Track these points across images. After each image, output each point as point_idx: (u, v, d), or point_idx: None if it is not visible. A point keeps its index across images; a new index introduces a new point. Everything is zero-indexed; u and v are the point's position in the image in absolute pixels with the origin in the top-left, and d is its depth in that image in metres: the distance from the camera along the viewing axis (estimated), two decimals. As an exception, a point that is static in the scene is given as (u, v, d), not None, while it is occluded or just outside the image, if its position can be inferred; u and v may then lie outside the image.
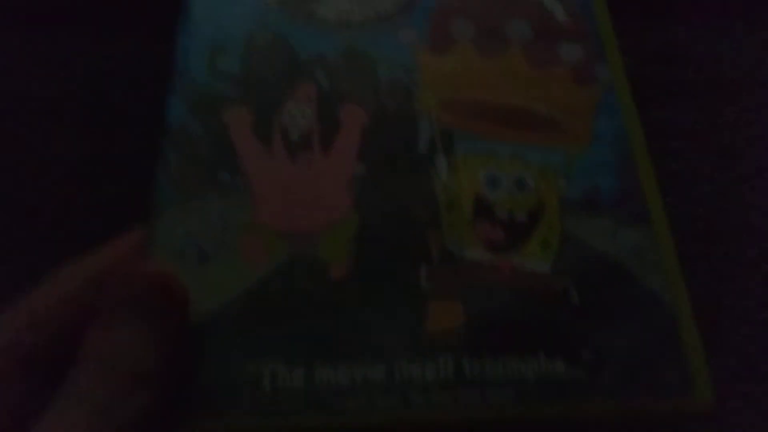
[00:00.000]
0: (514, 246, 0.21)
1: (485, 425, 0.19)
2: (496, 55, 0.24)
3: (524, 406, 0.18)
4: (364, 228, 0.21)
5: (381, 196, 0.21)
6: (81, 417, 0.16)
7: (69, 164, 0.33)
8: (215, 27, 0.24)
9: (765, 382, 0.29)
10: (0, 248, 0.32)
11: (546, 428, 0.20)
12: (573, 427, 0.20)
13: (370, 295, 0.20)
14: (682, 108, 0.36)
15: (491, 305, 0.20)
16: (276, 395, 0.18)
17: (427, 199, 0.21)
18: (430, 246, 0.20)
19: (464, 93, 0.23)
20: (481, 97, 0.23)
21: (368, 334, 0.19)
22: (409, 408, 0.18)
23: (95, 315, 0.18)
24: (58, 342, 0.19)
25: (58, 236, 0.32)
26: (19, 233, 0.32)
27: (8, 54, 0.37)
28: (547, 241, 0.21)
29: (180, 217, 0.20)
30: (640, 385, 0.19)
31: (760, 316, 0.30)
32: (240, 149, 0.22)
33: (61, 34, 0.37)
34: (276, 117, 0.22)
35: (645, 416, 0.19)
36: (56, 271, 0.21)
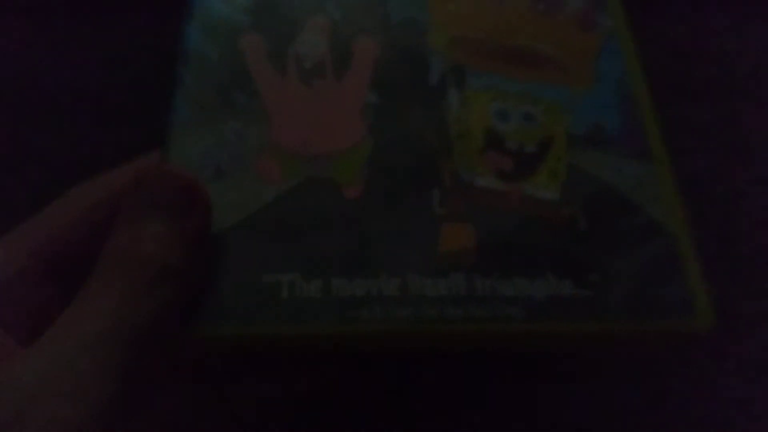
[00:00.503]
0: (523, 175, 0.21)
1: (494, 341, 0.19)
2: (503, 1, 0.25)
3: (533, 323, 0.19)
4: (378, 153, 0.21)
5: (394, 124, 0.22)
6: (104, 307, 0.16)
7: (70, 160, 0.33)
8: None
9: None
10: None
11: (552, 346, 0.21)
12: (577, 346, 0.21)
13: (383, 214, 0.20)
14: (698, 106, 0.36)
15: (502, 229, 0.20)
16: (293, 304, 0.18)
17: (439, 128, 0.22)
18: (442, 172, 0.21)
19: (474, 32, 0.24)
20: (490, 36, 0.24)
21: (382, 250, 0.19)
22: (422, 320, 0.19)
23: (119, 215, 0.18)
24: (82, 249, 0.19)
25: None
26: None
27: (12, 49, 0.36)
28: (555, 171, 0.21)
29: (196, 135, 0.21)
30: (644, 306, 0.19)
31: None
32: (255, 74, 0.22)
33: (67, 26, 0.37)
34: (290, 46, 0.23)
35: (648, 336, 0.20)
36: (74, 187, 0.21)
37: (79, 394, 0.15)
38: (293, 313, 0.18)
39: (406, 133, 0.22)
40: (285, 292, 0.18)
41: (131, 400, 0.16)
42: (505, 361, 0.26)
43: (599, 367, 0.27)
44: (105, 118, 0.34)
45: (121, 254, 0.17)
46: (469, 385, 0.26)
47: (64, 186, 0.31)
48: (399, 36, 0.23)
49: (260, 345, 0.19)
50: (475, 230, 0.20)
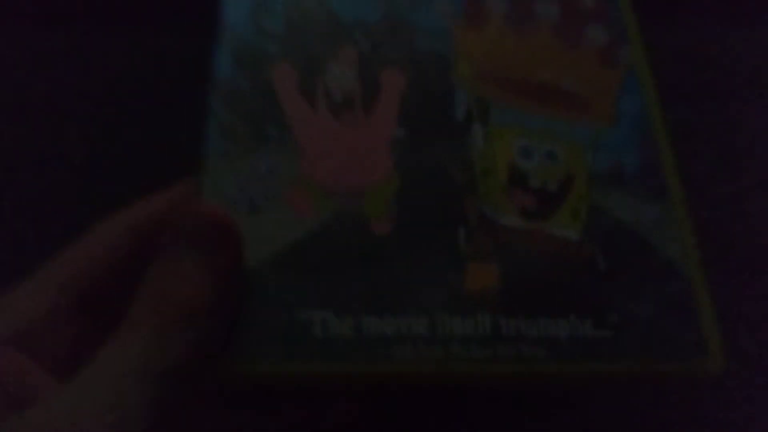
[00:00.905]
0: (545, 214, 0.22)
1: (519, 380, 0.20)
2: (527, 34, 0.25)
3: (555, 363, 0.20)
4: (405, 188, 0.22)
5: (420, 159, 0.22)
6: (136, 346, 0.16)
7: (75, 163, 0.33)
8: (257, -15, 0.24)
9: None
10: (10, 248, 0.31)
11: (574, 385, 0.21)
12: (597, 385, 0.22)
13: (411, 251, 0.20)
14: (701, 109, 0.36)
15: (525, 269, 0.21)
16: (326, 342, 0.19)
17: (464, 164, 0.22)
18: (467, 209, 0.21)
19: (498, 67, 0.24)
20: (515, 72, 0.24)
21: (410, 288, 0.20)
22: (450, 360, 0.19)
23: (154, 253, 0.18)
24: (113, 281, 0.19)
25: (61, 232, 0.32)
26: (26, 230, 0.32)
27: (18, 53, 0.36)
28: (577, 211, 0.22)
29: (230, 168, 0.21)
30: (659, 348, 0.20)
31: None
32: (286, 106, 0.22)
33: (73, 31, 0.36)
34: (320, 77, 0.23)
35: (662, 376, 0.20)
36: (108, 217, 0.21)
37: (112, 430, 0.16)
38: (326, 352, 0.19)
39: (432, 169, 0.22)
40: (318, 330, 0.19)
41: None
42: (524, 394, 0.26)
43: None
44: (111, 123, 0.34)
45: (154, 293, 0.17)
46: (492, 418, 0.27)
47: (67, 191, 0.31)
48: (425, 69, 0.24)
49: (292, 382, 0.19)
50: (499, 269, 0.21)
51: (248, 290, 0.19)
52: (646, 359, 0.20)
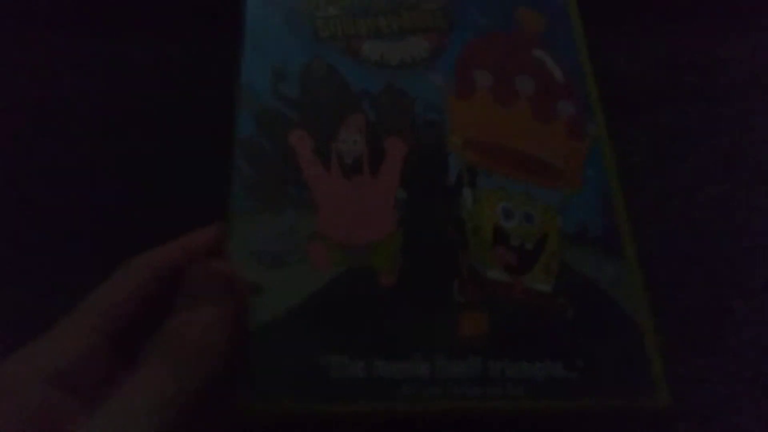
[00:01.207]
0: (524, 269, 0.26)
1: (503, 414, 0.23)
2: (508, 105, 0.29)
3: (533, 401, 0.23)
4: (408, 244, 0.25)
5: (420, 218, 0.25)
6: (154, 383, 0.19)
7: (76, 165, 0.34)
8: (274, 52, 0.27)
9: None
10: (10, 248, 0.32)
11: (551, 417, 0.25)
12: (568, 418, 0.25)
13: (413, 301, 0.24)
14: (687, 111, 0.37)
15: (509, 317, 0.24)
16: (341, 383, 0.22)
17: (456, 223, 0.26)
18: (460, 263, 0.25)
19: (484, 136, 0.28)
20: (498, 140, 0.28)
21: (414, 334, 0.23)
22: (449, 399, 0.23)
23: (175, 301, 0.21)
24: (139, 318, 0.22)
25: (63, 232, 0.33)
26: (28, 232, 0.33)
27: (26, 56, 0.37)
28: (549, 267, 0.26)
29: (254, 224, 0.24)
30: (615, 387, 0.24)
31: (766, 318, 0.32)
32: (304, 167, 0.25)
33: (77, 36, 0.37)
34: (332, 142, 0.26)
35: (619, 411, 0.24)
36: (134, 258, 0.23)
37: None
38: (341, 392, 0.22)
39: (430, 227, 0.25)
40: (334, 372, 0.22)
41: None
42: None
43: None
44: (120, 129, 0.36)
45: (172, 337, 0.20)
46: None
47: (69, 189, 0.32)
48: (423, 136, 0.27)
49: (311, 418, 0.22)
50: (488, 317, 0.24)
51: (271, 336, 0.22)
52: (605, 397, 0.24)
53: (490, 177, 0.27)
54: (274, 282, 0.23)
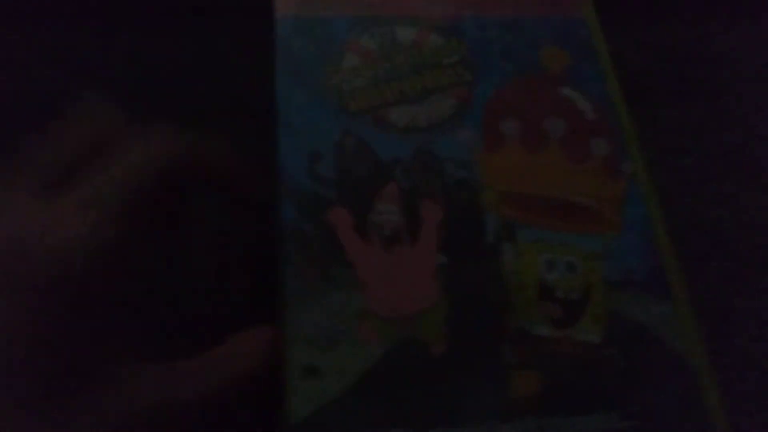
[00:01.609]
0: (571, 321, 0.26)
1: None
2: (539, 151, 0.29)
3: (592, 454, 0.24)
4: (453, 310, 0.25)
5: (462, 282, 0.26)
6: None
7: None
8: (308, 132, 0.28)
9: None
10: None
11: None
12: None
13: (464, 368, 0.24)
14: (691, 106, 0.37)
15: (560, 373, 0.25)
16: None
17: (498, 282, 0.26)
18: (506, 324, 0.25)
19: (518, 187, 0.28)
20: (533, 190, 0.28)
21: (467, 400, 0.24)
22: None
23: None
24: None
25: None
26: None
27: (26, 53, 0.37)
28: (596, 317, 0.26)
29: (305, 308, 0.25)
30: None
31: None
32: (347, 245, 0.26)
33: (78, 32, 0.38)
34: (370, 216, 0.27)
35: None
36: (191, 360, 0.24)
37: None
38: None
39: (473, 290, 0.26)
40: None
41: None
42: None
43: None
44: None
45: None
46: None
47: None
48: (456, 197, 0.28)
49: None
50: (539, 375, 0.25)
51: (329, 418, 0.23)
52: None
53: (529, 229, 0.27)
54: (328, 363, 0.24)
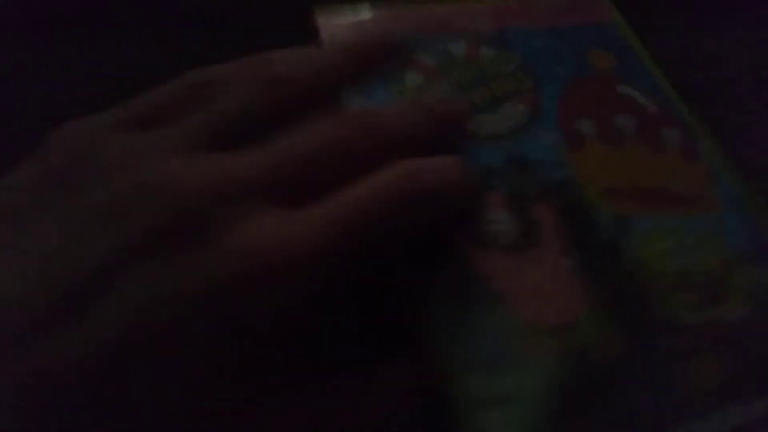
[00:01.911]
0: (719, 301, 0.24)
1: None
2: (620, 146, 0.28)
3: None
4: (602, 311, 0.23)
5: (595, 283, 0.24)
6: None
7: None
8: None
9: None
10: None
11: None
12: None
13: (642, 368, 0.22)
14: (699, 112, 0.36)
15: (729, 356, 0.23)
16: None
17: (631, 277, 0.24)
18: (658, 317, 0.24)
19: (615, 182, 0.27)
20: (629, 182, 0.27)
21: (650, 403, 0.22)
22: None
23: None
24: None
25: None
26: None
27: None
28: (743, 291, 0.25)
29: (460, 339, 0.22)
30: None
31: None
32: (474, 260, 0.23)
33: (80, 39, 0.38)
34: (484, 227, 0.24)
35: None
36: None
37: None
38: None
39: (611, 289, 0.24)
40: None
41: None
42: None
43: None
44: None
45: None
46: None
47: None
48: (559, 198, 0.26)
49: None
50: (715, 361, 0.23)
51: None
52: None
53: (640, 220, 0.26)
54: (502, 390, 0.21)
